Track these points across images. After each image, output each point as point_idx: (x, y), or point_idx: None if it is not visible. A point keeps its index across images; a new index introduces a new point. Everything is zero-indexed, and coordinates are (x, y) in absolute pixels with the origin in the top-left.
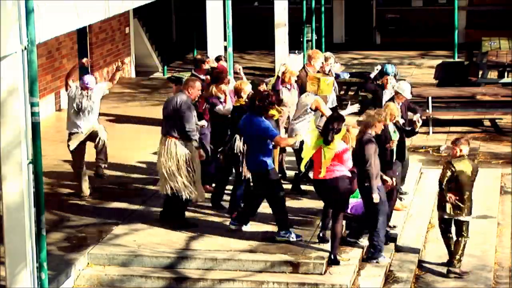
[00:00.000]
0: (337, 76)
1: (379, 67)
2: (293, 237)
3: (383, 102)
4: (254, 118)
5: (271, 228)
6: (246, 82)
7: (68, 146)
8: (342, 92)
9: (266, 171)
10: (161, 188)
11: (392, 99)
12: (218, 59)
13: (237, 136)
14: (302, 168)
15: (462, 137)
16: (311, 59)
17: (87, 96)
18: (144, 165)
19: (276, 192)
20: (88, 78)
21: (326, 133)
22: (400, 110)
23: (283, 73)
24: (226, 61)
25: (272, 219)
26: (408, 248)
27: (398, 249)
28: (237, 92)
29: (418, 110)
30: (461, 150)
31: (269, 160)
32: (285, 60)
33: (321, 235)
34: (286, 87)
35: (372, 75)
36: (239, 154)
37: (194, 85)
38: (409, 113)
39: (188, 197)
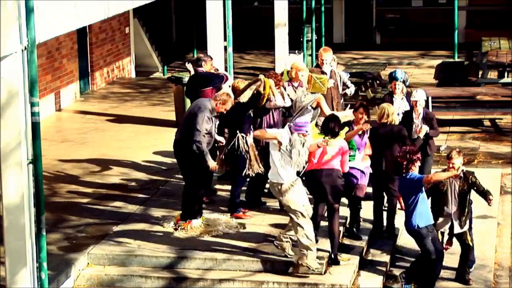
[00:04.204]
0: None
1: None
2: None
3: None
4: None
5: (271, 228)
6: (243, 82)
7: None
8: (342, 93)
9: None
10: None
11: (411, 111)
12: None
13: (240, 135)
14: None
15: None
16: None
17: None
18: (144, 165)
19: None
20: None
21: (326, 131)
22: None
23: (291, 68)
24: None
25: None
26: (408, 248)
27: (398, 249)
28: (234, 91)
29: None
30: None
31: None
32: (285, 60)
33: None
34: (293, 85)
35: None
36: (243, 153)
37: (226, 101)
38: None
39: None
